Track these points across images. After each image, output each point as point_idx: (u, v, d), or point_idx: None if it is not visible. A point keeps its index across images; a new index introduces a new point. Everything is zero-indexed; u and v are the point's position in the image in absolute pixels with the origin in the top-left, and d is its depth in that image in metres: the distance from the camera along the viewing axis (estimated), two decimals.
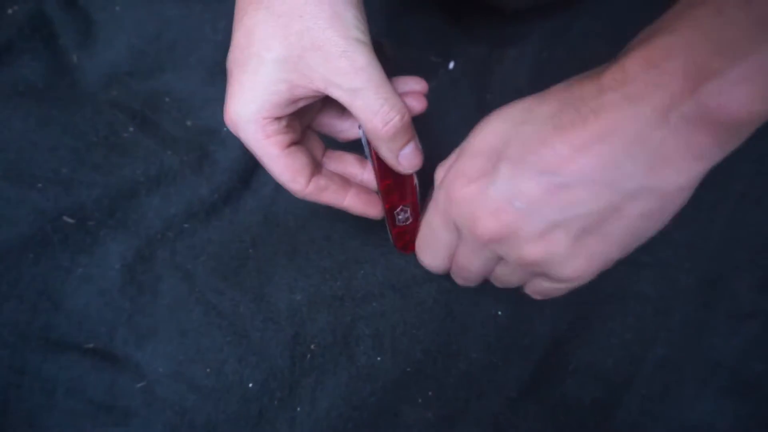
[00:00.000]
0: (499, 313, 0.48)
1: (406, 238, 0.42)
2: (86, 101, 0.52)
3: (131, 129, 0.51)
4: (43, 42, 0.53)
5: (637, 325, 0.48)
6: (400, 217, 0.40)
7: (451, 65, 0.54)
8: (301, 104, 0.34)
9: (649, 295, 0.48)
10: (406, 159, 0.36)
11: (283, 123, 0.34)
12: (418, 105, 0.37)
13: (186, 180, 0.50)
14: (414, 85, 0.38)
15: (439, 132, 0.50)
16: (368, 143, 0.38)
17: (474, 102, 0.53)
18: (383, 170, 0.38)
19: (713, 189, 0.48)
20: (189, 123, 0.52)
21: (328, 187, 0.37)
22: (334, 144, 0.43)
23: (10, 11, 0.53)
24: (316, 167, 0.38)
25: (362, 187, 0.40)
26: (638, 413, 0.47)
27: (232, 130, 0.35)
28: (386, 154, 0.36)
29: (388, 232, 0.42)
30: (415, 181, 0.39)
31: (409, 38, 0.55)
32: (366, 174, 0.41)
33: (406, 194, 0.40)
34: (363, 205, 0.39)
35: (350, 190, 0.39)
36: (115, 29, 0.54)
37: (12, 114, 0.50)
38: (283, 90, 0.32)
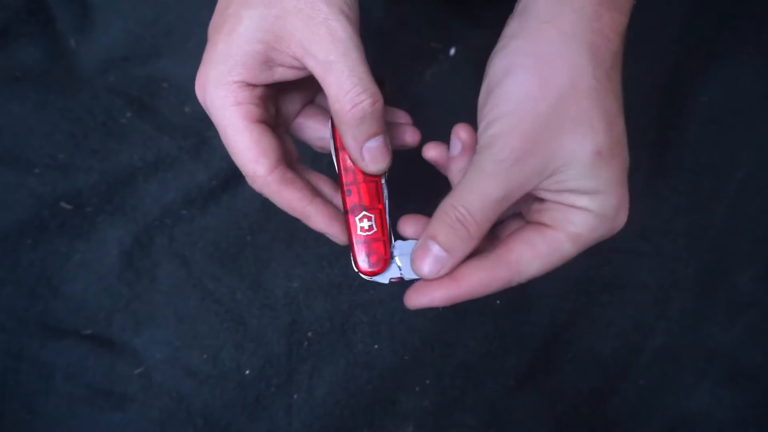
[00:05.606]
0: (498, 301, 0.48)
1: (368, 250, 0.34)
2: (84, 86, 0.51)
3: (129, 114, 0.51)
4: (40, 26, 0.53)
5: (635, 315, 0.48)
6: (362, 224, 0.34)
7: (452, 51, 0.53)
8: (277, 75, 0.32)
9: (648, 284, 0.48)
10: (371, 154, 0.32)
11: (257, 93, 0.31)
12: (411, 138, 0.35)
13: (184, 166, 0.50)
14: (400, 119, 0.36)
15: (438, 118, 0.49)
16: (334, 134, 0.34)
17: (475, 88, 0.52)
18: (346, 166, 0.33)
19: (713, 178, 0.48)
20: (187, 109, 0.52)
21: (294, 183, 0.32)
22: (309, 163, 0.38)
23: None
24: (287, 159, 0.33)
25: (330, 203, 0.35)
26: (636, 402, 0.47)
27: (200, 99, 0.32)
28: (350, 143, 0.31)
29: (350, 247, 0.34)
30: (385, 190, 0.34)
31: (410, 24, 0.54)
32: (337, 199, 0.35)
33: (372, 199, 0.34)
34: (327, 219, 0.33)
35: (317, 198, 0.33)
36: (112, 13, 0.53)
37: (9, 98, 0.50)
38: (259, 51, 0.30)
